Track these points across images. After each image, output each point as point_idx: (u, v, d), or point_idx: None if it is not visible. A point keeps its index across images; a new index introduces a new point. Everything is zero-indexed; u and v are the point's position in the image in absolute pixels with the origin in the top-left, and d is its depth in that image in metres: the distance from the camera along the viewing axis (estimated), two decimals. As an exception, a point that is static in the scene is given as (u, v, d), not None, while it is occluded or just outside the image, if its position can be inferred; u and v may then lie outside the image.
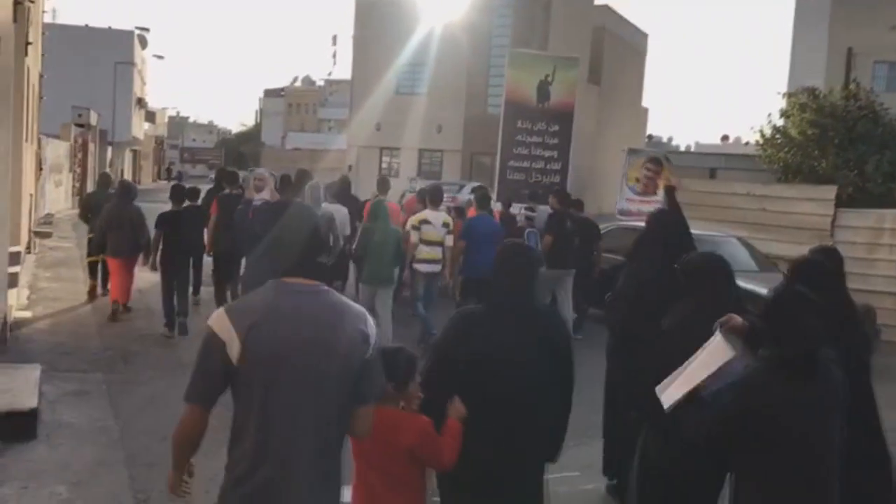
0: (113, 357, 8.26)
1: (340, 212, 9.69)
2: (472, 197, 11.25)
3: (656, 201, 7.64)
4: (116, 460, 5.49)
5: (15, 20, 8.39)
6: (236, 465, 2.71)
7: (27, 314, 9.89)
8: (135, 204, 10.24)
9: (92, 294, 11.18)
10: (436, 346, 3.63)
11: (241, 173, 13.18)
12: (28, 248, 14.66)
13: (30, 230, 15.64)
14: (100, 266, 11.14)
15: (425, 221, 9.27)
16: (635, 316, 4.67)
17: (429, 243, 9.20)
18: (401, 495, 3.13)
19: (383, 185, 10.22)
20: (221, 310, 2.70)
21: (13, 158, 9.56)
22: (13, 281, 9.85)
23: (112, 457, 5.54)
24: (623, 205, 5.26)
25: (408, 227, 9.43)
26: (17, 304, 10.02)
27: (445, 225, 9.35)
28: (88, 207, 11.59)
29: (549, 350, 3.43)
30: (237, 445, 2.71)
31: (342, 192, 10.63)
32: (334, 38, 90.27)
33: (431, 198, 9.51)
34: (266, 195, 9.34)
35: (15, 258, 10.43)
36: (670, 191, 5.87)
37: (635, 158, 7.73)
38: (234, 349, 2.57)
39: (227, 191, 10.90)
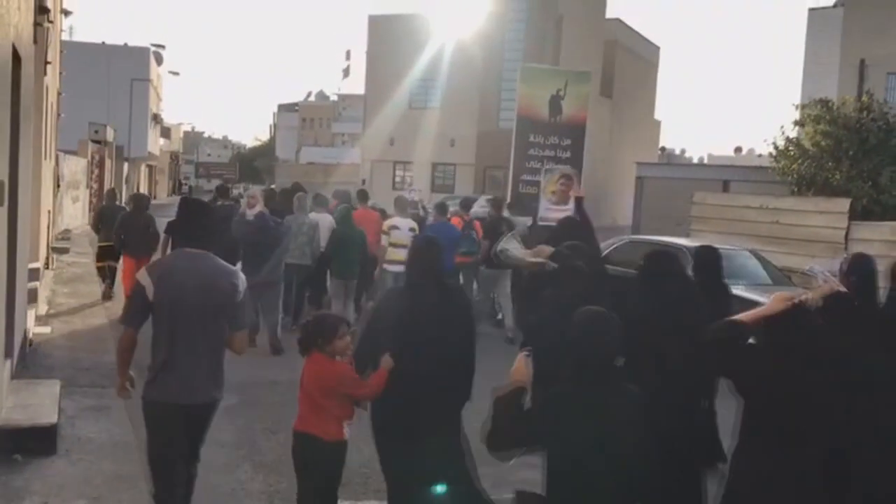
0: (131, 372, 8.33)
1: (325, 220, 10.89)
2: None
3: (568, 209, 9.49)
4: (135, 475, 5.55)
5: (35, 41, 8.55)
6: (156, 366, 4.18)
7: (46, 330, 10.01)
8: (147, 212, 11.82)
9: (107, 296, 12.57)
10: (371, 314, 5.00)
11: (258, 188, 14.17)
12: (46, 263, 14.83)
13: (48, 246, 15.82)
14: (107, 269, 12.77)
15: (394, 227, 10.39)
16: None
17: (397, 246, 9.99)
18: (318, 417, 4.23)
19: (362, 195, 12.16)
20: (143, 268, 4.30)
21: (32, 175, 9.72)
22: (32, 297, 9.98)
23: (131, 472, 5.61)
24: (543, 213, 7.10)
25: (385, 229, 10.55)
26: (36, 319, 10.14)
27: (412, 230, 10.34)
28: (101, 219, 13.16)
29: (455, 313, 4.50)
30: (157, 353, 4.19)
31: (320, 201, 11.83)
32: (347, 53, 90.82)
33: (399, 206, 10.91)
34: (258, 209, 9.89)
35: (34, 274, 10.58)
36: (579, 200, 7.69)
37: (551, 175, 9.39)
38: (150, 292, 4.09)
39: (219, 202, 12.26)
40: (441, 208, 11.50)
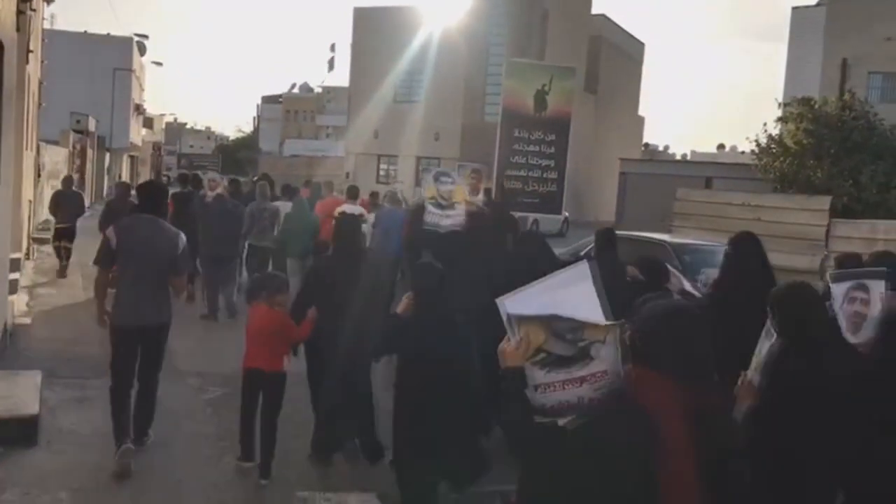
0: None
1: (286, 207, 11.97)
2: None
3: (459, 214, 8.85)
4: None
5: (18, 29, 8.47)
6: (118, 298, 5.66)
7: (27, 321, 9.94)
8: (130, 199, 11.89)
9: (61, 274, 13.70)
10: (304, 277, 6.62)
11: (243, 179, 15.12)
12: (27, 254, 14.71)
13: (29, 236, 15.68)
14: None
15: (343, 212, 10.79)
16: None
17: None
18: (262, 355, 5.47)
19: (352, 191, 12.91)
20: (111, 226, 5.77)
21: (14, 165, 9.63)
22: (13, 287, 9.91)
23: (112, 464, 5.58)
24: (429, 217, 6.11)
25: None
26: (17, 310, 10.06)
27: (360, 215, 10.69)
28: (57, 203, 14.28)
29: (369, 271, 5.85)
30: (120, 285, 5.66)
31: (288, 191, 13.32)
32: (332, 45, 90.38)
33: (349, 193, 12.45)
34: (218, 192, 11.77)
35: (15, 265, 10.50)
36: (487, 191, 8.17)
37: (464, 170, 8.67)
38: (114, 242, 5.56)
39: (179, 189, 13.71)
40: (392, 197, 12.61)
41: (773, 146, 23.37)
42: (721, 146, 55.67)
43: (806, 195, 16.57)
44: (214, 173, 14.88)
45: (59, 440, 5.95)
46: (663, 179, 25.28)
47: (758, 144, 23.96)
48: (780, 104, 24.41)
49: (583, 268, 2.79)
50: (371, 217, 11.96)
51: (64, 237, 13.98)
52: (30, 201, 15.81)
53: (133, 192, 11.81)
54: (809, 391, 3.09)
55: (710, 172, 27.88)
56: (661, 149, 59.89)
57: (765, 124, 24.39)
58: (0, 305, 7.45)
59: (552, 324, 2.62)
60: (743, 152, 31.51)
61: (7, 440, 5.64)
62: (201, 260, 10.87)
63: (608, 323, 2.60)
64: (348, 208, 11.34)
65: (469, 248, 7.32)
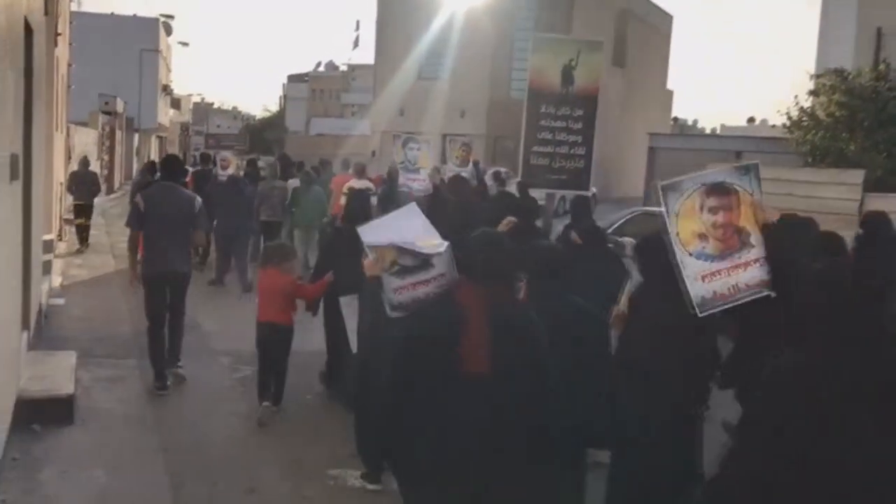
0: (146, 343, 8.39)
1: (294, 183, 12.63)
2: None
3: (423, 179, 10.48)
4: (152, 445, 5.62)
5: (46, 13, 8.51)
6: (147, 254, 6.86)
7: (60, 301, 10.08)
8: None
9: (81, 247, 14.98)
10: (321, 248, 8.03)
11: (268, 158, 15.79)
12: (59, 235, 14.90)
13: (60, 218, 15.87)
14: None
15: (351, 188, 10.96)
16: None
17: None
18: (274, 310, 6.30)
19: (358, 167, 12.91)
20: (139, 193, 7.26)
21: (45, 148, 9.73)
22: (46, 268, 10.05)
23: (147, 442, 5.67)
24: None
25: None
26: (51, 291, 10.21)
27: (368, 189, 10.91)
28: (74, 181, 15.56)
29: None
30: (147, 246, 6.86)
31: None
32: (357, 23, 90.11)
33: (356, 170, 12.60)
34: (230, 171, 13.07)
35: (48, 246, 10.64)
36: (476, 162, 8.63)
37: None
38: (142, 206, 6.77)
39: (200, 168, 14.61)
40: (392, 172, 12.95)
41: (804, 119, 22.93)
42: (751, 120, 54.88)
43: (839, 169, 16.27)
44: (227, 153, 16.05)
45: (94, 420, 6.04)
46: (693, 154, 24.97)
47: (789, 117, 23.52)
48: (811, 76, 23.94)
49: (413, 207, 4.08)
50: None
51: (82, 213, 15.31)
52: (60, 183, 15.98)
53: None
54: (663, 326, 3.89)
55: (740, 146, 27.46)
56: (690, 123, 59.26)
57: (796, 97, 23.89)
58: (35, 287, 7.54)
59: (399, 246, 3.62)
60: (773, 125, 30.99)
61: (44, 420, 5.73)
62: (215, 234, 11.47)
63: (441, 242, 3.67)
64: (356, 184, 11.75)
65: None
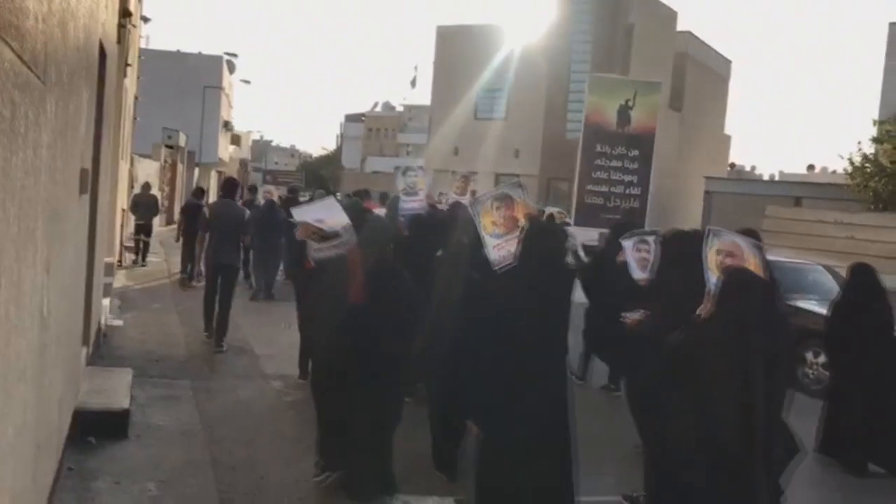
0: (199, 366, 8.53)
1: None
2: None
3: (420, 199, 9.61)
4: (203, 461, 5.66)
5: (119, 41, 8.82)
6: (210, 247, 9.51)
7: (118, 322, 10.29)
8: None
9: (140, 262, 16.87)
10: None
11: (320, 192, 16.66)
12: (119, 261, 15.25)
13: (121, 244, 16.26)
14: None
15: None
16: None
17: None
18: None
19: (383, 198, 13.34)
20: (207, 205, 13.01)
21: (110, 173, 10.01)
22: (107, 291, 10.28)
23: (198, 458, 5.72)
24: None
25: None
26: (110, 311, 10.43)
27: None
28: (136, 203, 17.61)
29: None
30: (210, 241, 9.52)
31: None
32: (415, 66, 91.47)
33: (381, 200, 12.85)
34: (270, 198, 14.27)
35: (108, 269, 10.89)
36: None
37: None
38: (208, 215, 10.05)
39: (249, 197, 16.32)
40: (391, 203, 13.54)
41: (867, 165, 22.52)
42: (811, 167, 53.84)
43: (902, 214, 15.88)
44: (270, 186, 18.13)
45: (147, 435, 6.12)
46: (750, 199, 24.62)
47: (851, 163, 23.13)
48: (875, 122, 23.55)
49: (330, 199, 6.58)
50: None
51: (142, 231, 17.10)
52: (123, 210, 16.40)
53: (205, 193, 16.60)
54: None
55: (799, 192, 27.00)
56: (747, 169, 58.33)
57: (859, 143, 23.57)
58: (95, 304, 7.72)
59: (317, 221, 5.65)
60: (834, 171, 30.42)
61: (100, 433, 5.82)
62: (253, 251, 13.33)
63: (346, 221, 5.61)
64: (378, 211, 12.30)
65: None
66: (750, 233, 5.74)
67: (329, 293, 5.40)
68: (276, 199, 14.44)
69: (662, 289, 5.32)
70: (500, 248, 5.58)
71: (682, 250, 5.21)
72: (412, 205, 11.19)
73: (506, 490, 4.38)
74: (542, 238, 4.77)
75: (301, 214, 5.82)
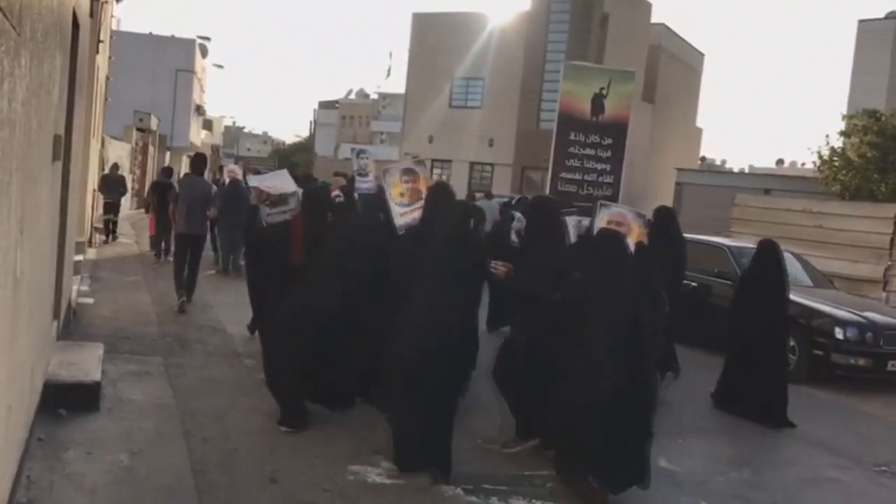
0: (171, 343, 8.48)
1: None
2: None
3: (370, 181, 10.46)
4: (175, 434, 5.64)
5: (91, 15, 8.71)
6: (179, 218, 10.81)
7: (89, 300, 10.20)
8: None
9: (109, 240, 17.51)
10: None
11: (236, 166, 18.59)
12: (89, 241, 15.09)
13: (91, 225, 16.09)
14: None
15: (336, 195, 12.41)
16: None
17: None
18: None
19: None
20: (179, 179, 15.17)
21: (81, 151, 9.90)
22: (77, 268, 10.18)
23: (170, 430, 5.70)
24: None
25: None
26: (80, 290, 10.33)
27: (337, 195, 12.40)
28: (104, 183, 17.98)
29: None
30: (179, 213, 10.78)
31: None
32: (390, 53, 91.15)
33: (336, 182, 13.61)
34: (234, 177, 14.56)
35: (79, 248, 10.78)
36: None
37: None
38: (178, 189, 12.13)
39: (216, 176, 18.13)
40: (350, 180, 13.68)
41: (835, 159, 22.86)
42: (780, 161, 54.49)
43: (871, 203, 16.13)
44: (235, 166, 18.09)
45: (119, 408, 6.08)
46: (720, 191, 24.86)
47: (820, 157, 23.46)
48: (843, 117, 23.89)
49: (283, 170, 8.49)
50: None
51: (111, 210, 17.80)
52: (94, 190, 16.23)
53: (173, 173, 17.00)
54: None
55: (768, 184, 27.30)
56: (718, 162, 58.85)
57: (827, 136, 23.89)
58: (66, 281, 7.64)
59: (268, 187, 7.01)
60: (803, 164, 30.79)
61: (70, 405, 5.78)
62: (218, 227, 13.79)
63: (295, 188, 7.14)
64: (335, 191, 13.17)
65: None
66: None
67: (273, 255, 6.76)
68: (239, 178, 14.78)
69: (528, 243, 6.14)
70: (405, 215, 6.72)
71: (542, 212, 6.11)
72: (365, 185, 11.77)
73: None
74: (441, 204, 5.67)
75: (256, 181, 7.18)
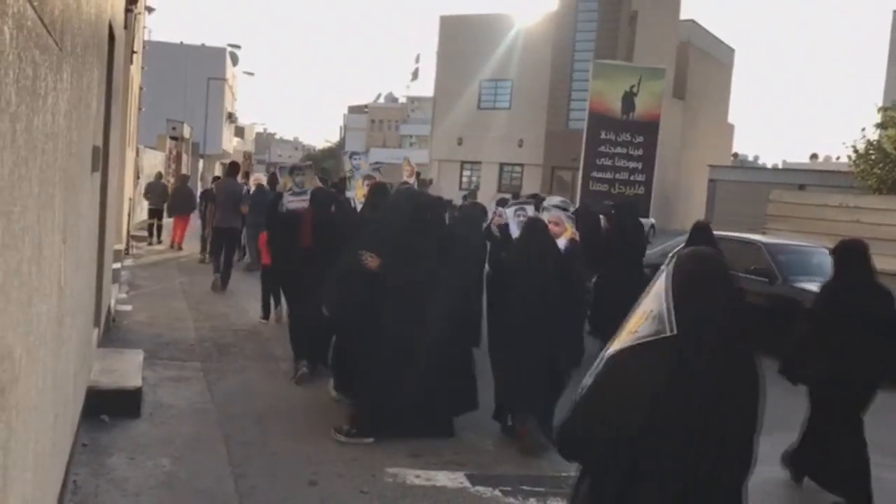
0: (209, 348, 8.58)
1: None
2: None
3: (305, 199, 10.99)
4: (215, 438, 5.71)
5: (126, 27, 8.85)
6: (217, 214, 13.23)
7: (127, 308, 10.35)
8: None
9: (153, 242, 19.09)
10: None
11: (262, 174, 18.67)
12: (126, 250, 15.30)
13: (128, 233, 16.31)
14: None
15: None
16: None
17: None
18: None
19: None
20: (214, 183, 16.82)
21: (118, 160, 10.04)
22: (115, 276, 10.33)
23: (210, 435, 5.77)
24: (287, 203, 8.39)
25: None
26: (118, 297, 10.48)
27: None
28: (149, 190, 19.77)
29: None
30: (218, 213, 13.17)
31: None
32: (417, 56, 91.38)
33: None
34: (256, 184, 14.81)
35: (117, 255, 10.94)
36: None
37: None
38: (215, 190, 14.49)
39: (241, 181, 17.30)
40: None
41: (872, 152, 22.50)
42: (814, 156, 53.79)
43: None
44: (259, 173, 19.11)
45: (159, 413, 6.17)
46: (753, 187, 24.61)
47: (855, 150, 23.10)
48: (879, 109, 23.51)
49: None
50: None
51: (155, 215, 19.40)
52: (130, 199, 16.45)
53: (189, 181, 20.23)
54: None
55: (802, 180, 26.98)
56: (750, 158, 58.29)
57: (863, 129, 23.51)
58: (105, 289, 7.77)
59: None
60: (838, 158, 30.35)
61: (112, 411, 5.88)
62: (246, 228, 13.99)
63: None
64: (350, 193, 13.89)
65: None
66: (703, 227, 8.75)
67: (289, 237, 7.66)
68: (263, 183, 15.27)
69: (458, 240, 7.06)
70: None
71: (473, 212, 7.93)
72: (294, 204, 12.25)
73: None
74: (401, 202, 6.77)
75: (295, 204, 8.01)
